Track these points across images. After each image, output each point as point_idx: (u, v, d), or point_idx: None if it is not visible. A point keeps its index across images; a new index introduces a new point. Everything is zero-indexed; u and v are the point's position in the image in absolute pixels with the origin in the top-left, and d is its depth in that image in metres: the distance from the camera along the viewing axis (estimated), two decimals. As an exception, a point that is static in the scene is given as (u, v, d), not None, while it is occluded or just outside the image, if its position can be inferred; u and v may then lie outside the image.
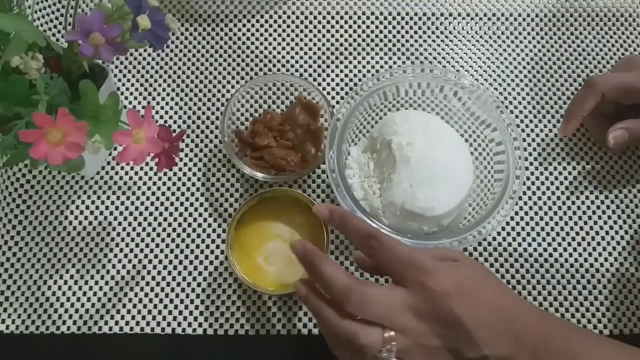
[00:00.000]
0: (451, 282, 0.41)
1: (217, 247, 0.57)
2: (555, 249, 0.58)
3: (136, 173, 0.60)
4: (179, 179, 0.60)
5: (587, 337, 0.45)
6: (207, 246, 0.57)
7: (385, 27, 0.68)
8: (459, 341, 0.41)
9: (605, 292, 0.56)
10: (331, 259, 0.45)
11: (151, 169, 0.60)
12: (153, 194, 0.59)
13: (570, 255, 0.58)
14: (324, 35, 0.67)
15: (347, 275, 0.42)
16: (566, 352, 0.42)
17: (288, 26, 0.67)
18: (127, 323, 0.55)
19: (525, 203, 0.60)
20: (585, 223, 0.59)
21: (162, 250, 0.57)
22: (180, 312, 0.55)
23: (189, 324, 0.55)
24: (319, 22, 0.67)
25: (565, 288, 0.57)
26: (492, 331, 0.41)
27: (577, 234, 0.58)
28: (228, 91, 0.64)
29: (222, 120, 0.57)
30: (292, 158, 0.59)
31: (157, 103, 0.63)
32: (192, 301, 0.55)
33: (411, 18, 0.68)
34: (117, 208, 0.59)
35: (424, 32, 0.67)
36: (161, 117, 0.62)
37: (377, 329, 0.40)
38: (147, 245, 0.57)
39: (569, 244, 0.58)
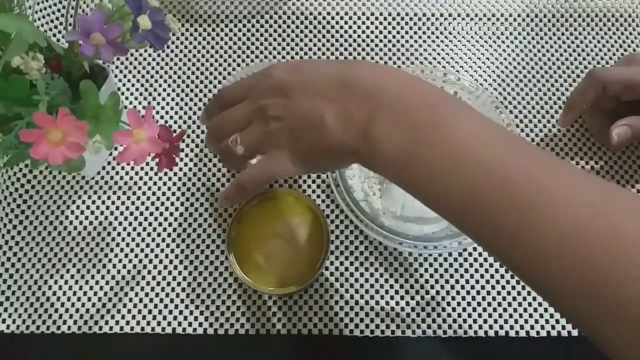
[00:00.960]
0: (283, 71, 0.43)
1: (218, 247, 0.57)
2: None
3: (137, 173, 0.60)
4: (180, 179, 0.60)
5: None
6: (208, 246, 0.57)
7: (385, 27, 0.68)
8: (298, 107, 0.41)
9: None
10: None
11: (152, 169, 0.60)
12: (153, 194, 0.59)
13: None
14: (324, 36, 0.67)
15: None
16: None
17: (288, 26, 0.67)
18: (127, 323, 0.55)
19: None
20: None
21: (162, 250, 0.57)
22: (181, 312, 0.55)
23: (189, 324, 0.55)
24: (319, 23, 0.67)
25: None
26: (331, 83, 0.40)
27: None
28: (228, 91, 0.64)
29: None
30: None
31: (158, 103, 0.63)
32: (192, 301, 0.55)
33: (411, 18, 0.68)
34: (117, 208, 0.59)
35: (424, 33, 0.67)
36: (162, 117, 0.62)
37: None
38: (147, 245, 0.57)
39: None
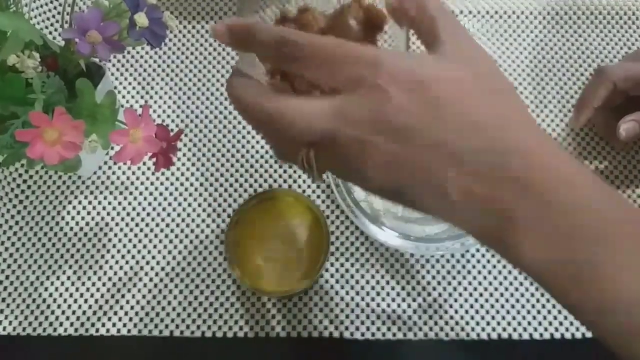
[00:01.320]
0: (407, 82, 0.29)
1: (216, 248, 0.57)
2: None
3: (133, 173, 0.59)
4: (177, 179, 0.59)
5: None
6: (206, 247, 0.57)
7: (386, 25, 0.67)
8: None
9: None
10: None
11: (149, 168, 0.60)
12: (150, 194, 0.59)
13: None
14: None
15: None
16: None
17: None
18: (124, 325, 0.54)
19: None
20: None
21: (159, 251, 0.57)
22: (178, 314, 0.54)
23: (187, 326, 0.54)
24: (319, 20, 0.67)
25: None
26: (476, 152, 0.29)
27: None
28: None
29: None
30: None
31: (155, 102, 0.62)
32: (190, 303, 0.55)
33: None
34: (114, 208, 0.58)
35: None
36: (159, 116, 0.62)
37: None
38: (144, 246, 0.57)
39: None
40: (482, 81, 0.31)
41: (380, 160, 0.30)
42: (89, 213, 0.58)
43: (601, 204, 0.30)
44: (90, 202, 0.58)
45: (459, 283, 0.56)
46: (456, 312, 0.55)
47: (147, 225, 0.58)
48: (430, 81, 0.29)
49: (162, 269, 0.56)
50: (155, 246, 0.57)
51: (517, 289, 0.56)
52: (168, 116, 0.62)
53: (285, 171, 0.59)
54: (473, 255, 0.57)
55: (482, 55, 0.33)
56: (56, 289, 0.55)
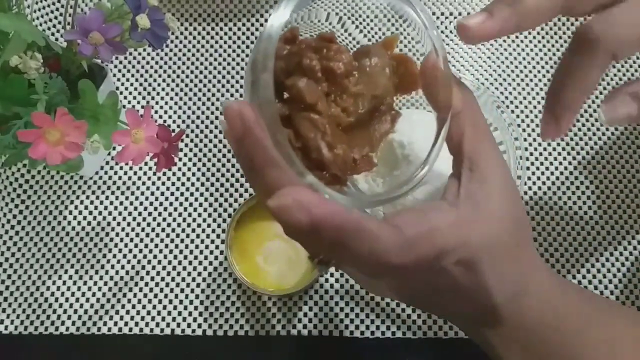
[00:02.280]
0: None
1: (217, 247, 0.57)
2: (556, 249, 0.58)
3: (135, 173, 0.60)
4: (178, 179, 0.60)
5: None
6: (207, 246, 0.57)
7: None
8: None
9: (611, 291, 0.56)
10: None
11: (150, 169, 0.60)
12: (152, 194, 0.59)
13: (572, 255, 0.57)
14: (324, 35, 0.67)
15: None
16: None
17: (288, 25, 0.67)
18: (126, 324, 0.54)
19: (527, 203, 0.59)
20: (587, 223, 0.59)
21: (161, 251, 0.57)
22: (180, 313, 0.55)
23: (188, 325, 0.54)
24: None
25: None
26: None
27: (579, 234, 0.58)
28: (227, 90, 0.63)
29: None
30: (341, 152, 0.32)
31: (157, 102, 0.63)
32: (191, 302, 0.55)
33: (411, 17, 0.68)
34: (116, 208, 0.58)
35: (425, 32, 0.67)
36: (160, 116, 0.62)
37: None
38: (146, 246, 0.57)
39: (570, 244, 0.58)
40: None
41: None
42: (90, 213, 0.58)
43: None
44: (92, 202, 0.58)
45: (458, 282, 0.56)
46: (455, 311, 0.55)
47: (148, 224, 0.58)
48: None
49: (163, 268, 0.56)
50: (156, 245, 0.57)
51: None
52: (169, 117, 0.62)
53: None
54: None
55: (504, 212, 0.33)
56: (58, 288, 0.56)
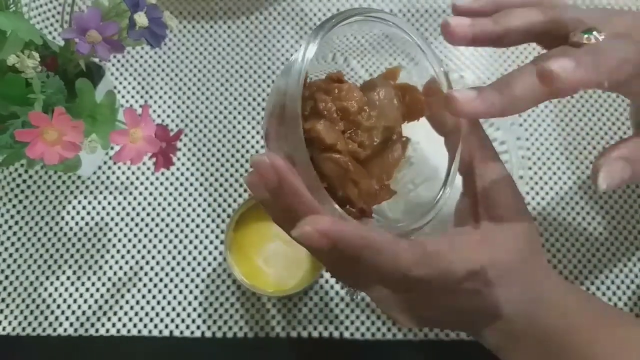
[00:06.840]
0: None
1: (216, 248, 0.57)
2: (558, 250, 0.57)
3: (133, 173, 0.59)
4: (177, 179, 0.59)
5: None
6: (205, 247, 0.57)
7: (385, 25, 0.67)
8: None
9: (613, 293, 0.56)
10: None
11: (148, 168, 0.60)
12: (150, 194, 0.59)
13: (574, 256, 0.57)
14: (324, 33, 0.66)
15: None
16: None
17: (287, 23, 0.66)
18: (124, 325, 0.54)
19: (529, 203, 0.59)
20: (589, 224, 0.58)
21: (159, 252, 0.57)
22: (178, 315, 0.54)
23: (187, 327, 0.54)
24: (319, 19, 0.67)
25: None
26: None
27: (581, 234, 0.58)
28: (227, 89, 0.63)
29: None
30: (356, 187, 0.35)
31: (155, 102, 0.62)
32: (189, 303, 0.55)
33: (412, 15, 0.67)
34: (114, 208, 0.58)
35: (426, 30, 0.67)
36: (158, 116, 0.62)
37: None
38: (144, 247, 0.57)
39: (573, 245, 0.57)
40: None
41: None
42: (88, 213, 0.58)
43: None
44: (90, 202, 0.58)
45: (459, 283, 0.56)
46: (456, 312, 0.55)
47: (147, 225, 0.57)
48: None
49: (162, 269, 0.56)
50: (155, 246, 0.57)
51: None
52: (168, 116, 0.62)
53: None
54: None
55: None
56: (56, 289, 0.55)
